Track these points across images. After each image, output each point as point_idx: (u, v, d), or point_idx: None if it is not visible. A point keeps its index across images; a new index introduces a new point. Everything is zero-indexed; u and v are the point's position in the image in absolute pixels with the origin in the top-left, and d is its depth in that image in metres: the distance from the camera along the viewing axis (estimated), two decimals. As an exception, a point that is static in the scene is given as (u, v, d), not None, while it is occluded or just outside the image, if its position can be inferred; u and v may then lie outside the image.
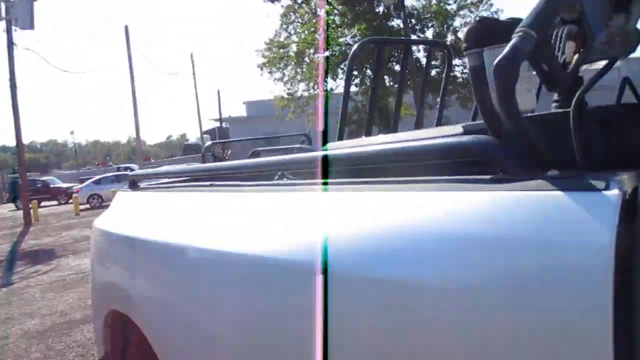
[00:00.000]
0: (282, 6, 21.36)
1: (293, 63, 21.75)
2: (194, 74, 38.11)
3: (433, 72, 21.66)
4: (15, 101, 17.27)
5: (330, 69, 22.52)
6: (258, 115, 36.18)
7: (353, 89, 24.63)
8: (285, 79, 21.84)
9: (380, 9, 20.46)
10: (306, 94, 22.59)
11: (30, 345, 4.65)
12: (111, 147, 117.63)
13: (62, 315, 5.46)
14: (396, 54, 22.10)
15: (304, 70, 21.54)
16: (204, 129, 43.15)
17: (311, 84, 22.44)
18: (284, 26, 22.80)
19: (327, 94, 20.69)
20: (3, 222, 18.83)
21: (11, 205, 28.87)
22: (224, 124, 40.35)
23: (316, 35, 21.32)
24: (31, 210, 17.77)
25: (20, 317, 5.60)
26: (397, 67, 23.72)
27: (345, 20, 20.86)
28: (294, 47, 21.97)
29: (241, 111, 42.74)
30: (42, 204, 26.31)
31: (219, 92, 42.80)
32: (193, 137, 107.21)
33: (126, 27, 26.97)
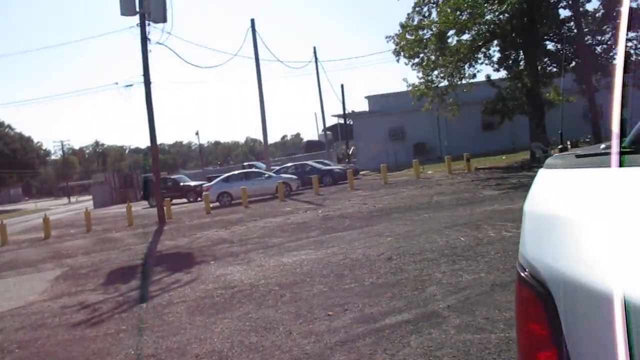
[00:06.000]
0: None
1: (433, 46, 19.45)
2: (317, 67, 37.16)
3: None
4: (150, 98, 16.92)
5: (470, 52, 20.03)
6: (380, 110, 34.42)
7: (500, 74, 21.87)
8: (425, 63, 19.65)
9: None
10: (445, 82, 20.25)
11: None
12: (231, 147, 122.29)
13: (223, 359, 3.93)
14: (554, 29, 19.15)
15: (445, 54, 19.21)
16: (323, 126, 42.16)
17: (449, 70, 20.03)
18: (418, 8, 20.69)
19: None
20: (138, 220, 18.76)
21: (145, 203, 29.73)
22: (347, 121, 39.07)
23: (457, 13, 18.90)
24: (164, 209, 17.42)
25: (166, 355, 4.18)
26: (550, 46, 20.64)
27: (494, -7, 18.26)
28: (431, 29, 19.73)
29: (363, 106, 41.14)
30: (173, 201, 26.64)
31: (342, 86, 41.28)
32: (308, 136, 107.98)
33: (252, 21, 26.42)
